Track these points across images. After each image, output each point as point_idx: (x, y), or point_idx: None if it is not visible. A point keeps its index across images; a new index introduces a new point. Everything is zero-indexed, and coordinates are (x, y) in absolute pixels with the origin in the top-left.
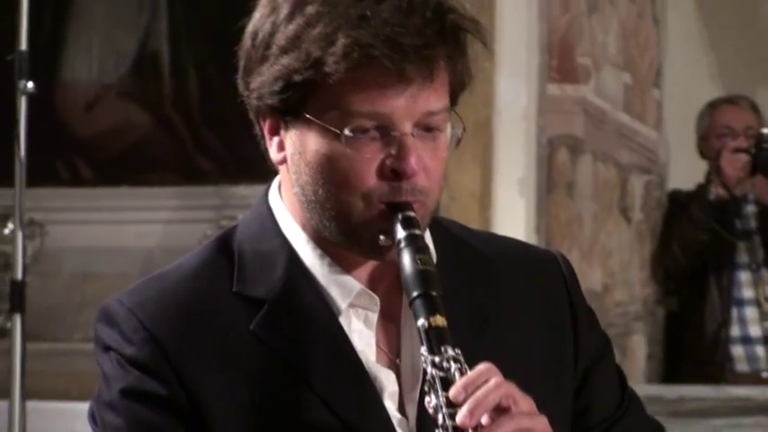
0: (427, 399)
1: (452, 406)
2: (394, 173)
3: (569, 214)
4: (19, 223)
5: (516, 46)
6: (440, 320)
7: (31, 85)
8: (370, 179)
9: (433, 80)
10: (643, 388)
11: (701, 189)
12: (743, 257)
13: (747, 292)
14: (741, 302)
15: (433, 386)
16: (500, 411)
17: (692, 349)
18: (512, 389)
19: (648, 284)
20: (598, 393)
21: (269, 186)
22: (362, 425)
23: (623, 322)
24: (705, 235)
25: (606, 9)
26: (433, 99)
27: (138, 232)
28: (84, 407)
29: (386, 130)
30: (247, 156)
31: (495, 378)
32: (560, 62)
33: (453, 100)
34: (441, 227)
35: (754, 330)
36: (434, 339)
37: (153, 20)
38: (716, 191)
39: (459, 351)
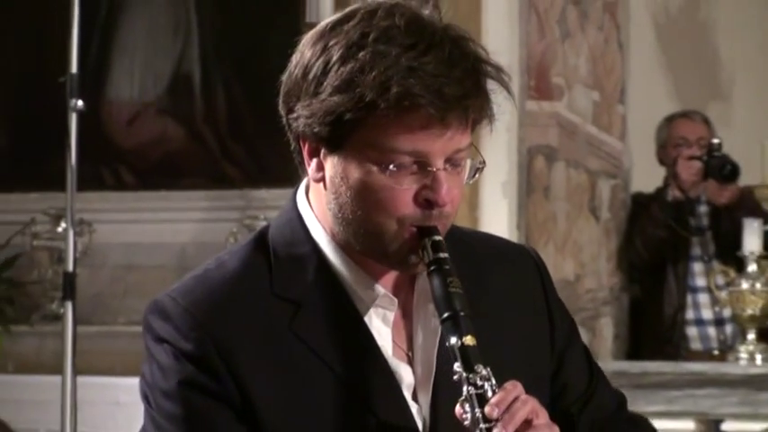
0: (458, 409)
1: (487, 420)
2: (427, 202)
3: (546, 213)
4: (70, 223)
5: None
6: (470, 340)
7: (80, 103)
8: (407, 206)
9: (467, 126)
10: (610, 364)
11: (660, 191)
12: (696, 251)
13: (700, 281)
14: (695, 290)
15: (470, 401)
16: (525, 423)
17: (653, 330)
18: (535, 404)
19: (615, 274)
20: (572, 374)
21: (296, 192)
22: (387, 414)
23: (593, 307)
24: (664, 231)
25: (577, 36)
26: (463, 139)
27: (174, 230)
28: (125, 381)
29: (423, 165)
30: (268, 164)
31: (522, 395)
32: (537, 82)
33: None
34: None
35: (707, 314)
36: (469, 358)
37: (186, 46)
38: (673, 193)
39: (489, 370)
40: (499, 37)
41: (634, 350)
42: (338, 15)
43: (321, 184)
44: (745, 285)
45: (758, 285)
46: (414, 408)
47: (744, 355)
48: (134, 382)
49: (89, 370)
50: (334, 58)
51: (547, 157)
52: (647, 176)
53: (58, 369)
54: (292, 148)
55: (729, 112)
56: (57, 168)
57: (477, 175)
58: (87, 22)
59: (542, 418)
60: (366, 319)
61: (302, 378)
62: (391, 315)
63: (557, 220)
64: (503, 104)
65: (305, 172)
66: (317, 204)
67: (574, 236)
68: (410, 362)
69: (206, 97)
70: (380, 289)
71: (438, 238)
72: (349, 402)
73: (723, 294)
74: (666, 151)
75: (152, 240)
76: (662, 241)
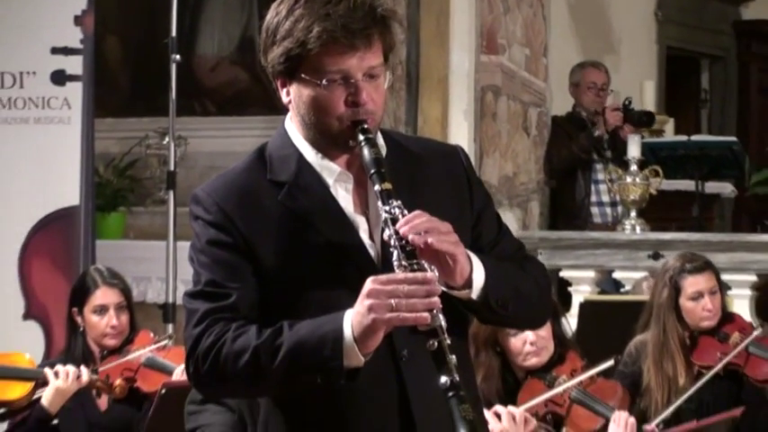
0: (385, 232)
1: (399, 236)
2: (354, 103)
3: (493, 131)
4: (172, 137)
5: (462, 33)
6: (387, 185)
7: (178, 57)
8: (340, 108)
9: (371, 47)
10: (537, 233)
11: (570, 115)
12: (598, 158)
13: (600, 176)
14: (597, 182)
15: (386, 223)
16: (428, 232)
17: (566, 210)
18: (435, 220)
19: (540, 172)
20: (485, 226)
21: (285, 118)
22: (348, 249)
23: (525, 194)
24: (586, 155)
25: (515, 11)
26: (373, 59)
27: (241, 142)
28: None
29: (347, 79)
30: None
31: (424, 215)
32: (488, 42)
33: (386, 58)
34: (387, 134)
35: (605, 198)
36: (385, 197)
37: (249, 17)
38: (600, 131)
39: (400, 202)
40: (463, 13)
41: (553, 223)
42: None
43: (290, 104)
44: (629, 179)
45: (638, 179)
46: (368, 244)
47: (628, 227)
48: None
49: (184, 237)
50: (282, 17)
51: (494, 93)
52: (561, 105)
53: (163, 236)
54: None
55: (618, 62)
56: (162, 101)
57: (387, 84)
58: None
59: (443, 227)
60: (332, 190)
61: (287, 232)
62: (349, 185)
63: (501, 135)
64: (463, 57)
65: (280, 100)
66: (294, 121)
67: (512, 146)
68: (366, 215)
69: None
70: (337, 167)
71: (366, 126)
72: (320, 243)
73: (615, 186)
74: (579, 89)
75: (227, 150)
76: (581, 159)
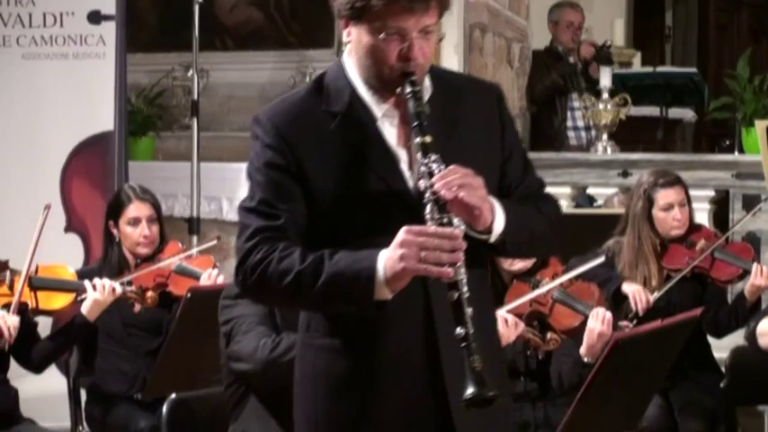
0: (421, 182)
1: (433, 190)
2: (406, 57)
3: (480, 64)
4: (195, 70)
5: None
6: (427, 139)
7: None
8: (393, 59)
9: (428, 10)
10: None
11: (548, 49)
12: (573, 87)
13: (576, 104)
14: (572, 109)
15: (423, 176)
16: (461, 187)
17: (546, 133)
18: (468, 177)
19: (522, 100)
20: (512, 164)
21: (342, 52)
22: (391, 180)
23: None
24: (562, 80)
25: None
26: (428, 19)
27: (257, 75)
28: (230, 165)
29: (402, 35)
30: (314, 34)
31: (459, 171)
32: None
33: (440, 16)
34: (433, 71)
35: (579, 123)
36: (425, 150)
37: None
38: (575, 59)
39: (438, 156)
40: None
41: (534, 145)
42: None
43: (350, 44)
44: (601, 106)
45: (609, 106)
46: (407, 175)
47: (600, 148)
48: (236, 165)
49: (206, 158)
50: None
51: (481, 30)
52: (539, 40)
53: (188, 157)
54: (337, 24)
55: (591, 1)
56: (186, 37)
57: (438, 42)
58: None
59: (475, 182)
60: (379, 124)
61: (336, 159)
62: (395, 120)
63: (487, 68)
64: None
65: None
66: (351, 58)
67: (497, 78)
68: (409, 150)
69: None
70: (385, 106)
71: (414, 78)
72: (364, 171)
73: (588, 112)
74: (558, 27)
75: (244, 81)
76: (560, 85)
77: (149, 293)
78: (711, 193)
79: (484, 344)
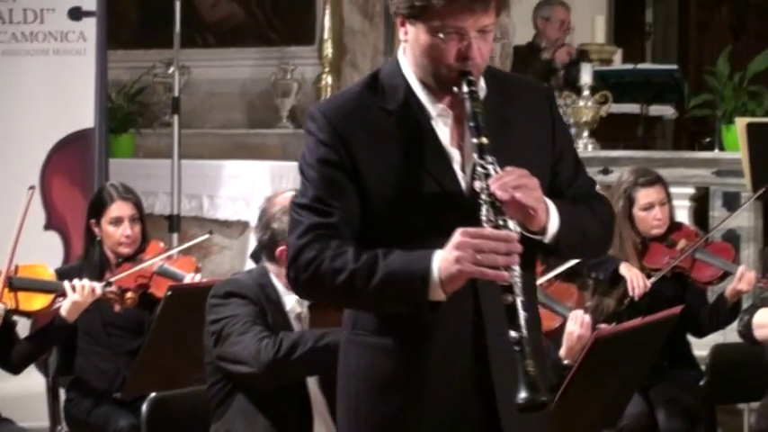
0: (476, 183)
1: (489, 191)
2: (464, 57)
3: None
4: (176, 67)
5: None
6: (483, 140)
7: None
8: (451, 58)
9: (488, 10)
10: None
11: (530, 45)
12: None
13: (558, 101)
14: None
15: (479, 177)
16: (516, 188)
17: None
18: (524, 178)
19: None
20: (564, 165)
21: (398, 50)
22: (444, 180)
23: None
24: (539, 77)
25: None
26: (486, 19)
27: (238, 71)
28: (211, 162)
29: (461, 35)
30: (296, 31)
31: (515, 171)
32: None
33: (497, 15)
34: (488, 71)
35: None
36: (481, 151)
37: None
38: (555, 60)
39: (495, 158)
40: None
41: None
42: None
43: (407, 42)
44: (581, 103)
45: (589, 103)
46: (460, 175)
47: (581, 145)
48: (216, 163)
49: (187, 155)
50: None
51: None
52: (521, 37)
53: (169, 155)
54: (394, 21)
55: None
56: (167, 34)
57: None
58: None
59: (531, 184)
60: (433, 123)
61: (390, 157)
62: (448, 120)
63: None
64: None
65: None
66: (407, 56)
67: None
68: (461, 150)
69: None
70: (440, 105)
71: (471, 78)
72: (418, 170)
73: (569, 109)
74: (548, 24)
75: (225, 78)
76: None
77: (129, 294)
78: (691, 190)
79: (535, 350)
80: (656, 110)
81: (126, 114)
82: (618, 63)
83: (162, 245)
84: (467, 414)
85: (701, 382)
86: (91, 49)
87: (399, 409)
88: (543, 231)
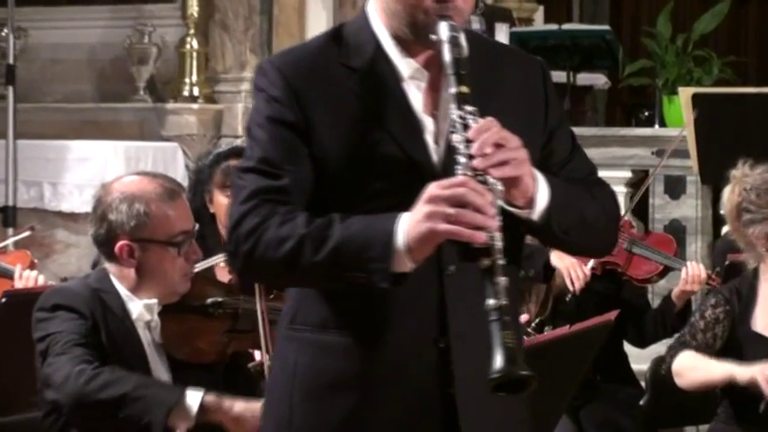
0: (454, 136)
1: (468, 142)
2: None
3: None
4: (11, 29)
5: None
6: (464, 89)
7: None
8: (429, 0)
9: None
10: None
11: None
12: None
13: None
14: None
15: (456, 128)
16: (497, 146)
17: None
18: (506, 133)
19: None
20: (557, 145)
21: (366, 2)
22: (412, 149)
23: None
24: None
25: None
26: None
27: (86, 34)
28: (53, 143)
29: None
30: None
31: (496, 126)
32: None
33: None
34: (471, 33)
35: None
36: (461, 100)
37: None
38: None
39: (475, 108)
40: None
41: None
42: None
43: None
44: None
45: None
46: (432, 147)
47: None
48: (60, 143)
49: (25, 135)
50: None
51: None
52: None
53: (2, 134)
54: None
55: None
56: None
57: None
58: None
59: (513, 143)
60: (404, 85)
61: (350, 119)
62: (422, 84)
63: None
64: None
65: None
66: (377, 8)
67: None
68: (435, 117)
69: None
70: (414, 63)
71: (453, 22)
72: (381, 137)
73: None
74: None
75: (70, 42)
76: None
77: None
78: (628, 174)
79: (514, 324)
80: (584, 78)
81: None
82: (540, 23)
83: None
84: (423, 426)
85: (641, 402)
86: None
87: (341, 419)
88: (530, 205)
